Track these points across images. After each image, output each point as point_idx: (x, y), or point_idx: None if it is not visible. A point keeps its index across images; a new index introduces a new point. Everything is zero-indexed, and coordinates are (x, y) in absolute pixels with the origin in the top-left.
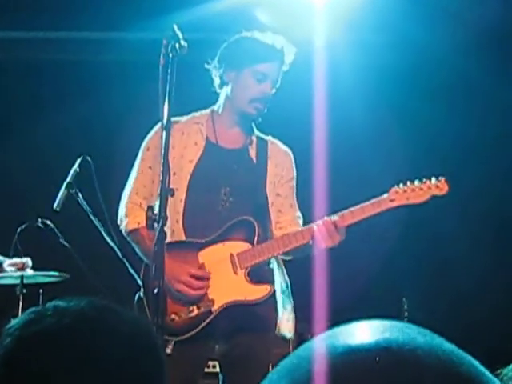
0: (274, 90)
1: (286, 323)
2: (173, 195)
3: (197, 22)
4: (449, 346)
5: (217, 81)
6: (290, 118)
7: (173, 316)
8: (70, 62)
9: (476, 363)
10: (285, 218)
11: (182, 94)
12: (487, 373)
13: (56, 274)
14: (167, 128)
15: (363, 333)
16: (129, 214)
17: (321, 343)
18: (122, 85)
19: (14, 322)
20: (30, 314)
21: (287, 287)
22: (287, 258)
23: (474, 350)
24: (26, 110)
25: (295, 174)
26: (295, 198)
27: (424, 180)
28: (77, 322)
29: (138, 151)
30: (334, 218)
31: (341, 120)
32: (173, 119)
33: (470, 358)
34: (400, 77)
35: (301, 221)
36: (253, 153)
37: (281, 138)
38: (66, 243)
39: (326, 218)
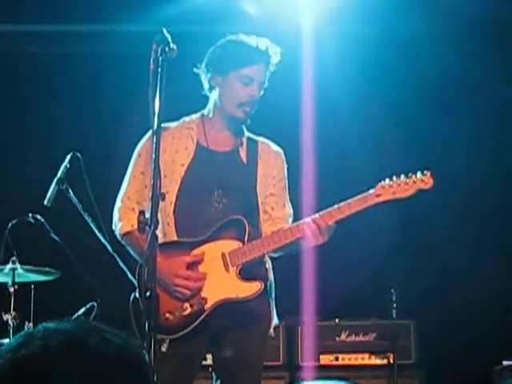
0: (261, 92)
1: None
2: (164, 199)
3: (184, 15)
4: None
5: (206, 85)
6: (278, 113)
7: (167, 315)
8: (58, 55)
9: None
10: (277, 215)
11: (173, 91)
12: None
13: (47, 269)
14: (157, 132)
15: None
16: (122, 218)
17: None
18: (115, 79)
19: (6, 344)
20: (21, 336)
21: (271, 285)
22: (275, 255)
23: (463, 338)
24: (15, 105)
25: (286, 174)
26: (287, 197)
27: (410, 174)
28: (62, 344)
29: (129, 146)
30: (323, 214)
31: (328, 113)
32: (163, 125)
33: None
34: (386, 69)
35: (291, 219)
36: (243, 154)
37: (268, 134)
38: (56, 238)
39: (315, 215)
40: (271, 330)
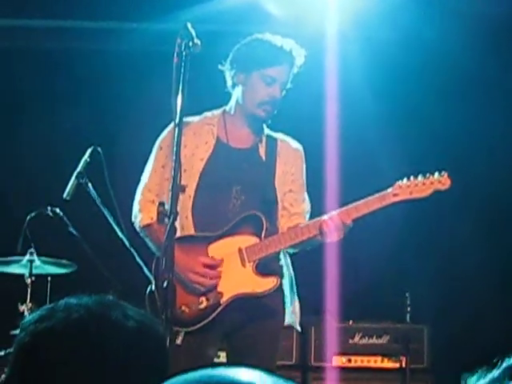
0: (283, 93)
1: (295, 315)
2: (183, 191)
3: (210, 14)
4: None
5: (229, 81)
6: (301, 111)
7: (183, 308)
8: (81, 51)
9: None
10: (295, 211)
11: (196, 86)
12: None
13: (64, 261)
14: (179, 126)
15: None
16: (142, 210)
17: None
18: (135, 75)
19: (28, 317)
20: (43, 310)
21: (292, 280)
22: (292, 251)
23: (477, 344)
24: (38, 99)
25: (304, 171)
26: (305, 194)
27: (427, 175)
28: (83, 317)
29: (148, 142)
30: (340, 212)
31: (350, 114)
32: (185, 120)
33: None
34: (408, 73)
35: (308, 215)
36: (262, 151)
37: (292, 132)
38: (74, 231)
39: (332, 212)
40: (297, 326)
